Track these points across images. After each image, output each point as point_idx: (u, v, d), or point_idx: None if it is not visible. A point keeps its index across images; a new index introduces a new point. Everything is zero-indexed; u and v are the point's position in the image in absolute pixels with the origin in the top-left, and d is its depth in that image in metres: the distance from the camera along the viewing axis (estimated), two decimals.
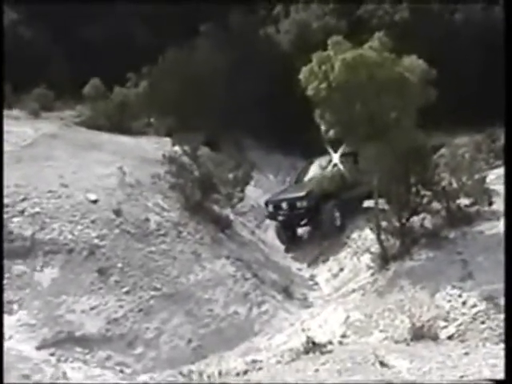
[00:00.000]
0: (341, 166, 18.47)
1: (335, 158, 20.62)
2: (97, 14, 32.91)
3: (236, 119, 27.21)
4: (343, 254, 20.30)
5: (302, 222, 22.55)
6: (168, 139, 23.74)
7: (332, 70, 15.99)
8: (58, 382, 13.14)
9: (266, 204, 22.90)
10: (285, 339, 15.67)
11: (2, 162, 18.26)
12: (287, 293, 18.32)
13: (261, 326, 16.72)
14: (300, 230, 23.27)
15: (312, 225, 22.60)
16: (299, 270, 20.64)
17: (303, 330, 15.35)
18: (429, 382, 10.74)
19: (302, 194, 21.78)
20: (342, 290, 18.16)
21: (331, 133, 16.59)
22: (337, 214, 21.55)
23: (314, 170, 22.61)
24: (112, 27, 32.55)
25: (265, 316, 17.08)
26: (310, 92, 16.40)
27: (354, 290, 17.43)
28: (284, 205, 22.12)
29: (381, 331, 14.87)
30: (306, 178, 23.20)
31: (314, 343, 12.31)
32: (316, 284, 19.66)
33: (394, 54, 16.74)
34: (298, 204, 21.74)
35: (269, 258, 20.55)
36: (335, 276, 19.66)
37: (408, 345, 12.43)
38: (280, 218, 22.34)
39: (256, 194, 24.51)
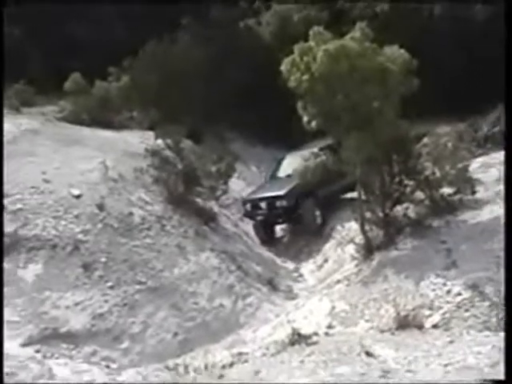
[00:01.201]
0: (323, 157, 18.39)
1: (317, 149, 20.44)
2: (77, 9, 32.64)
3: (218, 112, 27.20)
4: (327, 246, 20.34)
5: (281, 220, 22.31)
6: (151, 133, 23.64)
7: (314, 61, 15.94)
8: (44, 378, 13.07)
9: (244, 203, 22.49)
10: (270, 331, 15.70)
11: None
12: (272, 285, 18.36)
13: (246, 319, 16.75)
14: (279, 227, 23.04)
15: (292, 222, 22.33)
16: (283, 261, 20.65)
17: (288, 322, 15.38)
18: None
19: (281, 192, 21.41)
20: (327, 281, 18.18)
21: (313, 124, 16.55)
22: (317, 213, 21.40)
23: (291, 164, 21.86)
24: (92, 21, 32.39)
25: (250, 308, 17.10)
26: (292, 83, 16.34)
27: (338, 281, 17.44)
28: (263, 204, 21.75)
29: (366, 321, 14.91)
30: (283, 173, 22.80)
31: (299, 335, 12.33)
32: (301, 276, 19.70)
33: (376, 44, 16.72)
34: (278, 203, 21.39)
35: (253, 250, 20.56)
36: (320, 267, 19.72)
37: (393, 334, 12.48)
38: (259, 217, 21.98)
39: (239, 186, 24.44)
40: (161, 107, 26.93)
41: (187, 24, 31.53)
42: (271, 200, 21.57)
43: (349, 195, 20.75)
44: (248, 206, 22.15)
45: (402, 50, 16.53)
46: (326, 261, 19.77)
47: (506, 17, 14.20)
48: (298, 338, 12.25)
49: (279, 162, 23.68)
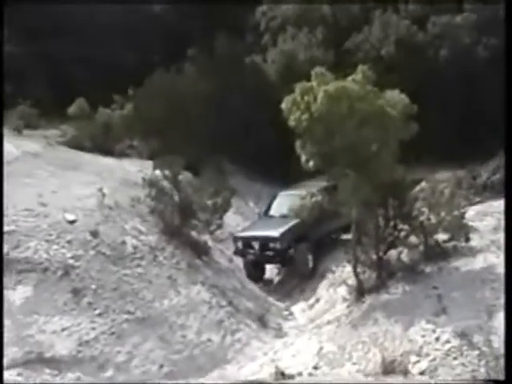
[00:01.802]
0: (320, 197, 18.42)
1: (315, 188, 20.45)
2: (86, 35, 32.98)
3: (219, 145, 27.26)
4: (320, 286, 20.27)
5: (273, 261, 22.05)
6: (150, 162, 23.67)
7: (314, 101, 16.03)
8: None
9: (235, 240, 21.98)
10: (257, 368, 15.61)
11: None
12: (262, 322, 18.24)
13: (234, 354, 16.66)
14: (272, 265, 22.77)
15: (283, 264, 22.13)
16: (275, 299, 20.55)
17: (271, 361, 15.29)
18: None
19: (275, 234, 21.14)
20: (317, 321, 18.11)
21: (311, 163, 16.59)
22: (309, 257, 21.23)
23: (284, 203, 21.78)
24: (100, 48, 32.59)
25: (238, 344, 17.00)
26: (291, 122, 16.42)
27: (329, 322, 17.40)
28: (255, 244, 21.40)
29: (353, 364, 14.86)
30: (277, 212, 22.55)
31: (282, 374, 12.24)
32: (291, 314, 19.60)
33: (378, 87, 16.80)
34: (271, 245, 21.11)
35: (245, 286, 20.45)
36: (311, 307, 19.62)
37: (377, 379, 12.38)
38: (250, 257, 21.65)
39: (235, 221, 24.40)
40: (162, 137, 27.07)
41: (193, 55, 31.72)
42: (264, 240, 21.33)
43: (344, 236, 20.71)
44: (240, 244, 21.78)
45: (403, 95, 16.62)
46: (317, 300, 19.68)
47: (506, 17, 14.25)
48: (282, 378, 12.17)
49: (272, 200, 23.52)
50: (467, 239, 17.61)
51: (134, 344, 15.72)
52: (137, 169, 24.56)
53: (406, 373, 12.84)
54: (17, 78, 29.70)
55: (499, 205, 20.18)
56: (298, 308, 19.87)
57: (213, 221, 20.23)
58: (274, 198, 23.51)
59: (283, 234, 21.01)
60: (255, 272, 21.98)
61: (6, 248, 16.47)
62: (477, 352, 14.04)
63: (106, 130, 28.35)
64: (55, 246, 17.10)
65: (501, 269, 16.28)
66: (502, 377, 13.04)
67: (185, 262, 18.84)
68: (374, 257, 17.55)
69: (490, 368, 13.63)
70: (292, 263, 21.45)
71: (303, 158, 16.69)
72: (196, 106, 27.98)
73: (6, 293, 15.53)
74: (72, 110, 28.92)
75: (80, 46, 32.70)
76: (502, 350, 13.75)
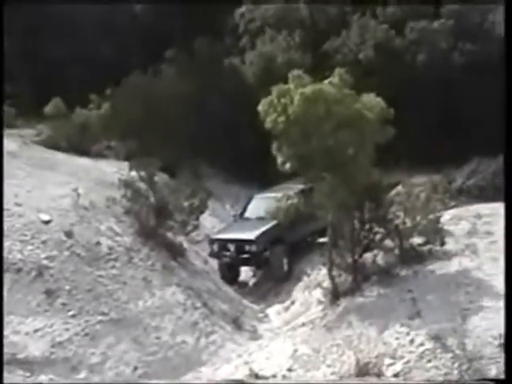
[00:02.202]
0: (296, 200, 18.43)
1: (291, 191, 20.46)
2: (63, 34, 32.79)
3: (196, 147, 27.23)
4: (295, 288, 20.28)
5: (248, 264, 22.02)
6: (127, 163, 23.53)
7: (291, 104, 16.04)
8: None
9: (211, 242, 21.88)
10: (231, 370, 15.57)
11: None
12: (237, 324, 18.20)
13: (208, 356, 16.59)
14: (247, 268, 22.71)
15: (258, 266, 22.09)
16: (250, 301, 20.53)
17: (246, 363, 15.27)
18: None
19: (251, 237, 21.07)
20: (292, 324, 18.12)
21: (287, 166, 16.60)
22: (285, 260, 21.25)
23: (260, 205, 21.84)
24: (78, 47, 32.41)
25: (213, 346, 16.94)
26: (268, 124, 16.40)
27: (303, 324, 17.43)
28: (231, 246, 21.32)
29: (328, 366, 14.89)
30: (254, 214, 22.49)
31: (256, 376, 12.22)
32: (266, 316, 19.59)
33: (356, 91, 16.83)
34: (247, 248, 21.04)
35: (220, 288, 20.40)
36: (286, 309, 19.63)
37: (351, 381, 12.40)
38: (225, 259, 21.57)
39: (212, 223, 24.39)
40: (139, 139, 26.93)
41: (171, 57, 31.63)
42: (240, 243, 21.24)
43: (319, 240, 20.73)
44: (215, 247, 21.70)
45: (379, 99, 16.64)
46: (292, 303, 19.70)
47: (506, 17, 14.32)
48: (256, 379, 12.15)
49: (248, 202, 23.45)
50: (442, 243, 17.71)
51: (108, 345, 15.62)
52: (113, 169, 24.42)
53: (379, 375, 12.88)
54: None
55: (474, 209, 20.39)
56: (273, 310, 19.86)
57: (189, 222, 20.16)
58: (249, 200, 23.47)
59: (259, 237, 20.98)
60: (230, 274, 21.92)
61: None
62: (450, 355, 14.12)
63: (83, 130, 28.16)
64: (29, 247, 16.97)
65: (475, 272, 16.46)
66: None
67: (160, 263, 18.74)
68: (350, 260, 17.60)
69: (463, 371, 13.71)
70: (267, 266, 21.44)
71: (279, 160, 16.69)
72: (174, 108, 27.89)
73: None
74: (48, 109, 28.70)
75: (58, 44, 32.47)
76: (475, 353, 13.87)
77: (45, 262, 16.71)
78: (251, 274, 22.60)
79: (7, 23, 29.28)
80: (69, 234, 17.74)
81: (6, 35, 30.39)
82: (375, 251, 17.80)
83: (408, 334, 14.89)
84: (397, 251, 17.75)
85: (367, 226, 17.64)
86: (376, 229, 17.69)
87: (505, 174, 14.00)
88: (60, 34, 32.91)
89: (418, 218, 17.66)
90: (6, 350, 14.44)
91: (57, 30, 32.94)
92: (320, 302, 17.90)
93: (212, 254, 21.89)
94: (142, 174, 19.98)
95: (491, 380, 10.14)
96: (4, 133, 26.86)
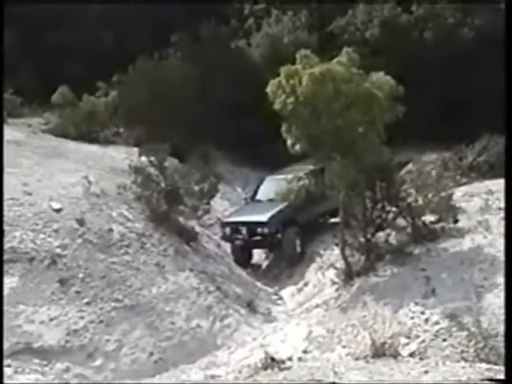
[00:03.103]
0: (307, 181, 18.35)
1: (301, 172, 20.37)
2: (68, 21, 32.70)
3: (205, 131, 27.15)
4: (308, 269, 20.25)
5: (261, 246, 22.02)
6: (136, 149, 23.50)
7: (299, 84, 15.94)
8: None
9: (223, 225, 22.01)
10: (247, 354, 15.57)
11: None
12: (251, 307, 18.20)
13: (223, 340, 16.62)
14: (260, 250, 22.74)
15: (271, 248, 22.13)
16: (264, 284, 20.52)
17: (261, 346, 15.25)
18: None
19: (263, 219, 21.09)
20: (306, 305, 18.09)
21: (297, 147, 16.52)
22: (297, 242, 21.22)
23: (271, 187, 21.58)
24: (83, 35, 32.34)
25: (228, 330, 16.95)
26: (277, 106, 16.32)
27: (317, 305, 17.38)
28: (243, 229, 21.31)
29: (343, 347, 14.85)
30: (265, 197, 22.49)
31: (272, 359, 12.17)
32: (280, 298, 19.57)
33: (364, 69, 16.72)
34: (259, 230, 21.04)
35: (233, 271, 20.40)
36: (300, 291, 19.60)
37: (368, 362, 12.34)
38: (238, 242, 21.58)
39: (223, 206, 24.37)
40: (147, 124, 26.89)
41: (177, 41, 31.50)
42: (252, 226, 21.23)
43: (332, 220, 20.68)
44: (227, 230, 21.71)
45: (388, 77, 16.53)
46: (306, 284, 19.67)
47: (507, 17, 14.17)
48: (271, 363, 12.10)
49: (259, 185, 23.44)
50: (455, 220, 17.61)
51: (123, 332, 15.62)
52: (122, 156, 24.37)
53: (395, 355, 12.80)
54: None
55: (485, 186, 20.27)
56: (286, 292, 19.85)
57: (200, 206, 20.11)
58: (260, 182, 23.45)
59: (271, 219, 20.95)
60: (243, 257, 21.96)
61: None
62: (466, 333, 14.04)
63: (91, 117, 28.14)
64: (41, 235, 16.93)
65: (488, 249, 16.36)
66: (491, 358, 13.09)
67: (172, 248, 18.74)
68: (362, 239, 17.54)
69: (479, 348, 13.64)
70: (280, 248, 21.42)
71: (289, 142, 16.63)
72: (181, 92, 27.82)
73: None
74: (55, 97, 28.71)
75: (63, 32, 32.41)
76: (490, 331, 13.81)
77: (57, 250, 16.67)
78: (264, 256, 22.57)
79: (10, 13, 29.29)
80: (81, 222, 17.72)
81: (10, 25, 30.34)
82: (388, 230, 17.70)
83: (423, 312, 14.85)
84: (409, 230, 17.67)
85: (379, 205, 17.54)
86: (388, 208, 17.59)
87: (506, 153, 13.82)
88: (63, 21, 32.82)
89: (430, 196, 17.56)
90: (21, 339, 14.44)
91: (60, 17, 32.81)
92: (334, 283, 17.84)
93: (224, 238, 21.89)
94: (152, 159, 19.94)
95: (491, 380, 10.07)
96: (12, 122, 27.07)
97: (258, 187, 23.26)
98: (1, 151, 18.96)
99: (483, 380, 10.42)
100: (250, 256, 22.34)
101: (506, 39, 13.26)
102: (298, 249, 21.27)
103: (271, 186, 21.86)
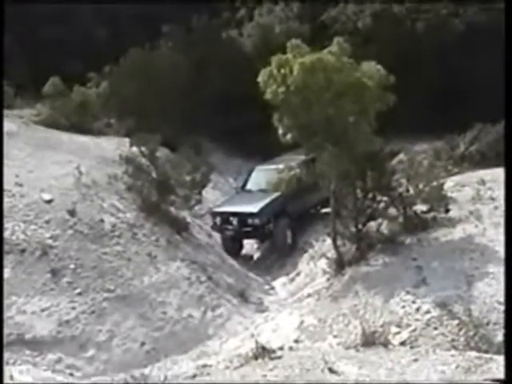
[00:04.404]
0: (298, 171, 18.35)
1: (293, 162, 20.32)
2: (59, 13, 32.57)
3: (197, 121, 27.11)
4: (300, 259, 20.28)
5: (251, 236, 22.01)
6: (128, 140, 23.43)
7: (290, 74, 15.91)
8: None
9: (213, 215, 21.89)
10: (238, 343, 15.61)
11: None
12: (243, 297, 18.20)
13: (215, 330, 16.63)
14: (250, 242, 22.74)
15: (262, 239, 22.16)
16: (255, 274, 20.53)
17: (252, 336, 15.28)
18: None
19: (254, 210, 20.97)
20: (298, 295, 18.13)
21: (289, 136, 16.51)
22: (288, 233, 21.22)
23: (261, 177, 21.70)
24: (74, 26, 32.25)
25: (219, 320, 16.97)
26: (268, 95, 16.29)
27: (309, 295, 17.41)
28: (234, 220, 21.21)
29: (334, 336, 14.88)
30: (255, 187, 22.44)
31: (263, 348, 12.19)
32: (272, 288, 19.59)
33: (355, 59, 16.69)
34: (250, 221, 20.96)
35: (225, 261, 20.41)
36: (291, 280, 19.63)
37: (358, 351, 12.39)
38: (228, 232, 21.50)
39: (215, 196, 24.34)
40: (139, 115, 26.81)
41: (169, 32, 31.43)
42: (243, 216, 21.14)
43: (323, 210, 20.68)
44: (218, 220, 21.63)
45: (379, 66, 16.50)
46: (297, 274, 19.70)
47: (506, 17, 14.15)
48: (262, 352, 12.12)
49: (249, 175, 23.38)
50: (446, 210, 17.63)
51: (115, 322, 15.63)
52: (114, 146, 24.29)
53: (386, 344, 12.84)
54: None
55: (477, 175, 20.29)
56: (278, 282, 19.87)
57: (191, 196, 20.10)
58: (251, 171, 23.40)
59: (262, 210, 20.91)
60: (233, 247, 21.93)
61: None
62: (456, 321, 14.08)
63: (83, 108, 28.05)
64: (33, 227, 16.94)
65: (480, 239, 16.40)
66: (481, 346, 13.15)
67: (164, 238, 18.74)
68: (354, 229, 17.54)
69: (470, 337, 13.69)
70: (271, 238, 21.43)
71: (280, 131, 16.61)
72: (172, 83, 27.77)
73: None
74: (47, 88, 28.58)
75: (56, 24, 32.29)
76: (481, 319, 13.85)
77: (49, 241, 16.69)
78: (256, 246, 22.58)
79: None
80: (72, 213, 17.71)
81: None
82: (379, 220, 17.68)
83: (414, 302, 14.86)
84: (401, 219, 17.68)
85: (370, 195, 17.51)
86: (379, 197, 17.56)
87: (505, 139, 13.84)
88: (56, 13, 32.68)
89: (422, 186, 17.56)
90: (12, 330, 14.46)
91: (53, 9, 32.66)
92: (325, 273, 17.86)
93: (214, 228, 21.87)
94: (144, 149, 19.92)
95: (491, 380, 10.11)
96: (4, 113, 26.92)
97: (249, 177, 23.19)
98: (1, 148, 18.90)
99: (485, 380, 10.46)
100: (241, 246, 22.33)
101: (506, 39, 13.23)
102: (289, 240, 21.27)
103: (262, 176, 21.88)
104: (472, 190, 19.02)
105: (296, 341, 14.91)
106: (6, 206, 17.22)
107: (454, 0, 29.35)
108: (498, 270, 14.62)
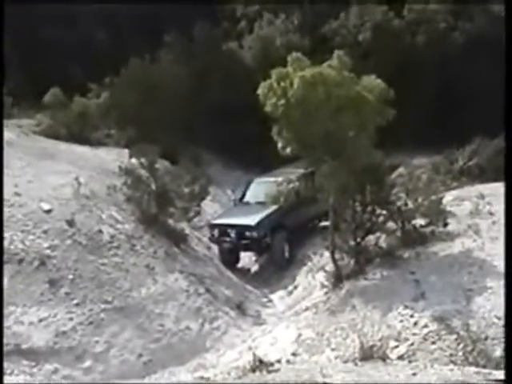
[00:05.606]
0: (297, 184, 18.35)
1: (292, 175, 20.31)
2: (59, 21, 32.58)
3: (197, 133, 27.14)
4: (298, 272, 20.26)
5: (249, 249, 21.96)
6: (127, 151, 23.48)
7: (291, 87, 15.94)
8: None
9: (211, 227, 21.83)
10: (236, 356, 15.58)
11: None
12: (240, 309, 18.21)
13: (212, 343, 16.61)
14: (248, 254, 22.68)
15: (259, 252, 22.08)
16: (253, 286, 20.51)
17: (250, 348, 15.25)
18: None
19: (252, 222, 21.00)
20: (296, 308, 18.09)
21: (288, 149, 16.53)
22: (286, 247, 21.22)
23: (260, 190, 21.59)
24: (75, 35, 32.23)
25: (217, 332, 16.95)
26: (268, 108, 16.32)
27: (307, 308, 17.37)
28: (231, 232, 21.20)
29: (332, 350, 14.85)
30: (253, 199, 22.39)
31: (260, 361, 12.14)
32: (270, 301, 19.57)
33: (355, 73, 16.74)
34: (247, 234, 20.98)
35: (223, 273, 20.40)
36: (289, 293, 19.61)
37: (356, 365, 12.34)
38: (226, 245, 21.49)
39: (213, 209, 24.33)
40: (139, 126, 26.83)
41: (170, 42, 31.45)
42: (241, 229, 21.14)
43: (322, 224, 20.68)
44: (216, 232, 21.59)
45: (379, 80, 16.55)
46: (295, 287, 19.69)
47: (506, 17, 14.21)
48: (260, 365, 12.07)
49: (247, 187, 23.36)
50: (445, 224, 17.63)
51: (112, 333, 15.61)
52: (113, 157, 24.35)
53: (384, 358, 12.79)
54: None
55: (476, 189, 20.30)
56: (276, 295, 19.86)
57: (190, 208, 20.12)
58: (249, 183, 23.39)
59: (259, 223, 20.93)
60: (230, 259, 21.90)
61: None
62: (455, 336, 14.05)
63: (82, 118, 28.11)
64: (31, 236, 16.92)
65: (478, 253, 16.39)
66: (480, 361, 13.11)
67: (162, 250, 18.73)
68: (352, 243, 17.53)
69: (468, 352, 13.66)
70: (269, 251, 21.42)
71: (280, 144, 16.63)
72: (172, 94, 27.80)
73: None
74: (47, 99, 28.63)
75: (56, 33, 32.26)
76: (479, 334, 13.83)
77: (47, 251, 16.67)
78: (254, 258, 22.56)
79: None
80: (70, 223, 17.70)
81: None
82: (378, 233, 17.69)
83: (412, 316, 14.84)
84: (399, 233, 17.68)
85: (369, 209, 17.52)
86: (378, 211, 17.57)
87: (506, 153, 13.87)
88: (56, 21, 32.68)
89: (420, 200, 17.58)
90: (10, 340, 14.42)
91: (53, 17, 32.67)
92: (323, 286, 17.83)
93: (212, 240, 21.83)
94: (143, 160, 19.92)
95: (491, 380, 10.07)
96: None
97: (247, 189, 23.18)
98: (1, 149, 18.91)
99: (486, 381, 10.42)
100: (238, 259, 22.30)
101: (506, 39, 13.28)
102: (287, 254, 21.27)
103: (260, 188, 21.83)
104: (471, 205, 19.01)
105: (294, 354, 14.88)
106: (4, 215, 17.17)
107: (453, 13, 29.44)
108: (497, 285, 14.63)
